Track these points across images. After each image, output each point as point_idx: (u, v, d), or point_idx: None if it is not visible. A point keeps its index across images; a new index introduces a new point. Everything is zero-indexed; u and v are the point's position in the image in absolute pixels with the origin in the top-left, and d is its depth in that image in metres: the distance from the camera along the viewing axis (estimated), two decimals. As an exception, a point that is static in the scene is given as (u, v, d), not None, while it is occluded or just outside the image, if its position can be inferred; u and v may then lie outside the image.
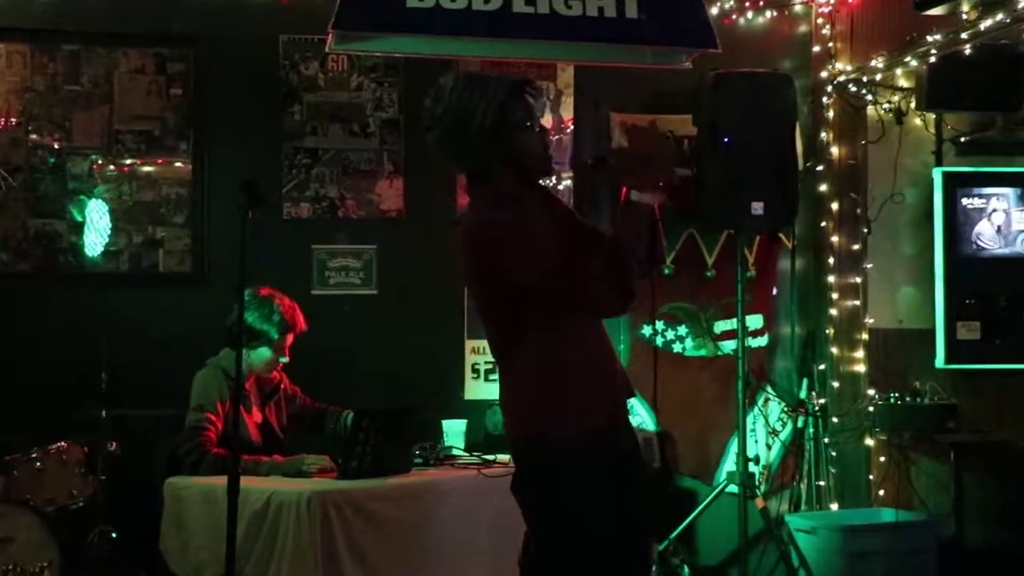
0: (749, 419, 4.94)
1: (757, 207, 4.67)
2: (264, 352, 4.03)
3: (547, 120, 5.16)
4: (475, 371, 5.11)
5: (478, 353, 5.11)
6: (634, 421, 2.74)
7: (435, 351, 5.02)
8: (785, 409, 5.23)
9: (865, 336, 5.21)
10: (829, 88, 5.27)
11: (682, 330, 5.20)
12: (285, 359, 4.11)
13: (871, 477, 5.12)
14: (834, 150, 5.29)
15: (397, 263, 5.04)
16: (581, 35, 4.38)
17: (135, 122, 4.83)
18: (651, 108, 5.17)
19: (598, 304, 2.51)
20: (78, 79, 4.77)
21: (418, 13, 4.21)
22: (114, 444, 4.09)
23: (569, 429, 2.50)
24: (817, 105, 5.33)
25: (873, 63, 5.07)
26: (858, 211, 5.22)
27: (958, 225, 5.06)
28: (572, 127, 5.17)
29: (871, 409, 5.08)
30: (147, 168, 4.84)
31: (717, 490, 4.77)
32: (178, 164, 4.86)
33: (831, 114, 5.29)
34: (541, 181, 2.68)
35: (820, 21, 5.34)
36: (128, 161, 4.82)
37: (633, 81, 4.98)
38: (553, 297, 2.48)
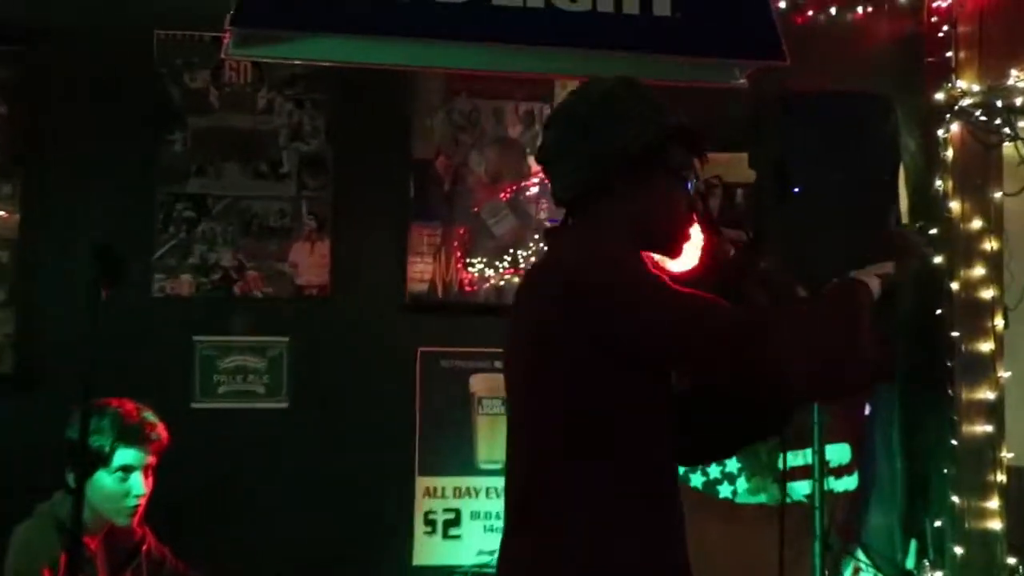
0: (832, 598, 4.95)
1: (843, 286, 4.70)
2: (104, 481, 3.95)
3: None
4: (429, 523, 5.12)
5: (435, 496, 5.14)
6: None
7: (372, 493, 5.04)
8: (885, 584, 5.26)
9: (1001, 478, 5.23)
10: (948, 116, 5.35)
11: (732, 465, 5.21)
12: (141, 491, 4.00)
13: None
14: (954, 205, 5.35)
15: (319, 363, 5.07)
16: (590, 40, 4.38)
17: (-68, 154, 4.89)
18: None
19: (780, 374, 2.51)
20: None
21: (355, 4, 4.22)
22: None
23: None
24: (930, 141, 5.39)
25: (1013, 81, 5.16)
26: (990, 295, 5.28)
27: None
28: None
29: (1011, 584, 5.15)
30: (-49, 221, 4.89)
31: None
32: None
33: (950, 154, 5.37)
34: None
35: (936, 20, 5.42)
36: (-78, 210, 4.86)
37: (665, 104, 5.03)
38: (711, 362, 2.52)
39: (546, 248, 2.86)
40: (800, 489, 5.12)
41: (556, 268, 2.67)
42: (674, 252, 2.79)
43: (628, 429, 2.57)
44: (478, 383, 5.23)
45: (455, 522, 5.13)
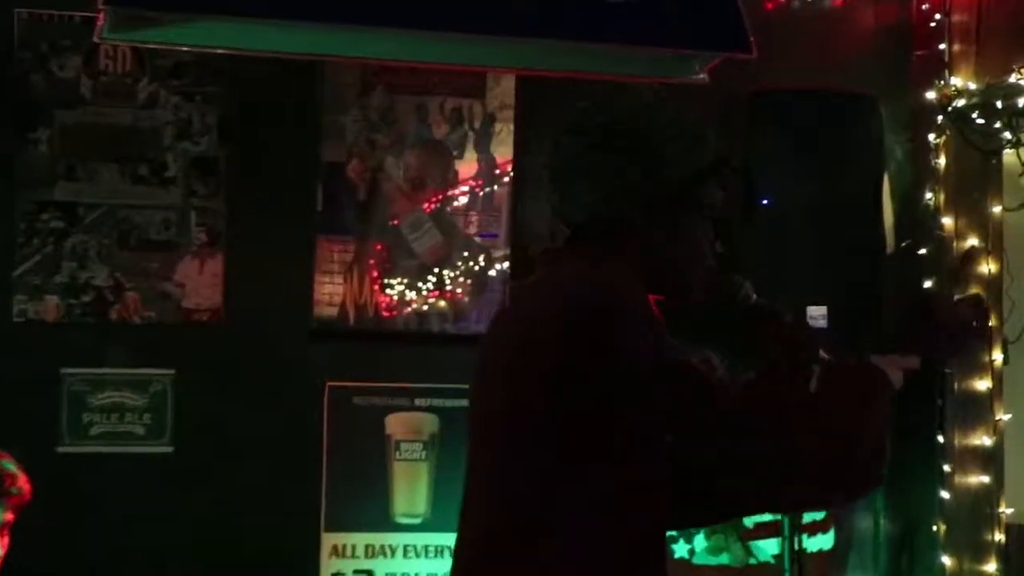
0: (806, 674, 4.94)
1: (817, 314, 4.69)
2: None
3: (471, 161, 5.30)
4: (339, 586, 5.13)
5: (343, 555, 5.11)
6: None
7: (271, 552, 4.99)
8: (866, 658, 5.29)
9: (999, 536, 5.24)
10: (940, 118, 5.35)
11: (690, 521, 5.19)
12: (-4, 551, 4.03)
13: None
14: (947, 221, 5.37)
15: (209, 400, 5.04)
16: (529, 29, 4.42)
17: None
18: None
19: (785, 471, 2.53)
20: None
21: (250, -18, 4.26)
22: None
23: None
24: (920, 147, 5.40)
25: (1014, 78, 5.16)
26: (987, 326, 5.22)
27: None
28: (512, 174, 5.30)
29: (1010, 659, 5.16)
30: None
31: None
32: None
33: (943, 162, 5.38)
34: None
35: (926, 8, 5.43)
36: None
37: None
38: (711, 447, 2.53)
39: (540, 272, 2.77)
40: (767, 548, 5.10)
41: (554, 304, 2.61)
42: (688, 297, 2.75)
43: (619, 475, 2.56)
44: (396, 424, 5.21)
45: (368, 583, 5.14)
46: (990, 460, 5.31)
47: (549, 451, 2.56)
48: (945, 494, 5.32)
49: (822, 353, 2.75)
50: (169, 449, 5.03)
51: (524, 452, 2.59)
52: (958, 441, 5.35)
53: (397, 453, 5.19)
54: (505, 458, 2.62)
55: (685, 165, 2.63)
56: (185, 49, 4.87)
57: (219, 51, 4.79)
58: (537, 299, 2.68)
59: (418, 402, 5.20)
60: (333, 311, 5.19)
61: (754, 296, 2.84)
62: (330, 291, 5.19)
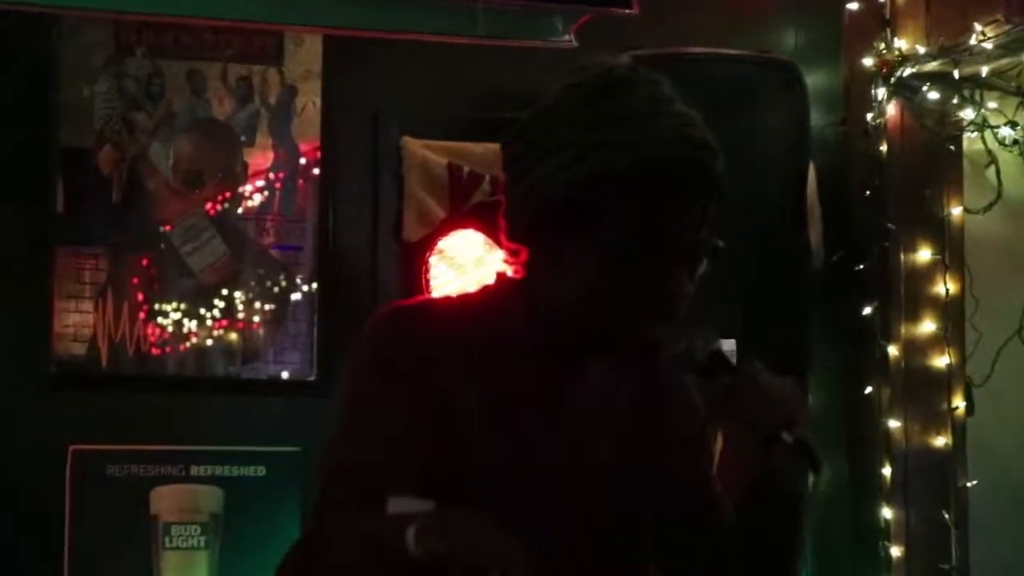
0: None
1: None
2: None
3: (266, 149, 5.03)
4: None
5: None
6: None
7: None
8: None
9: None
10: (882, 93, 5.16)
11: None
12: None
13: None
14: (891, 225, 5.17)
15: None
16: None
17: None
18: (490, 131, 4.93)
19: None
20: None
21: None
22: None
23: None
24: (855, 129, 5.24)
25: (976, 40, 4.83)
26: (945, 364, 5.01)
27: None
28: (320, 163, 5.01)
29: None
30: None
31: None
32: None
33: (885, 148, 5.17)
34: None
35: (862, -45, 5.26)
36: None
37: (454, 74, 5.00)
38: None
39: None
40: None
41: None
42: (607, 345, 2.41)
43: None
44: (165, 500, 4.89)
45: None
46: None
47: None
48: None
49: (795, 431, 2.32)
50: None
51: None
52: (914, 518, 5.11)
53: (167, 540, 4.84)
54: None
55: (568, 172, 2.32)
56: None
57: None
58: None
59: (195, 471, 4.92)
60: (80, 349, 4.86)
61: (708, 350, 2.38)
62: (76, 322, 4.86)
